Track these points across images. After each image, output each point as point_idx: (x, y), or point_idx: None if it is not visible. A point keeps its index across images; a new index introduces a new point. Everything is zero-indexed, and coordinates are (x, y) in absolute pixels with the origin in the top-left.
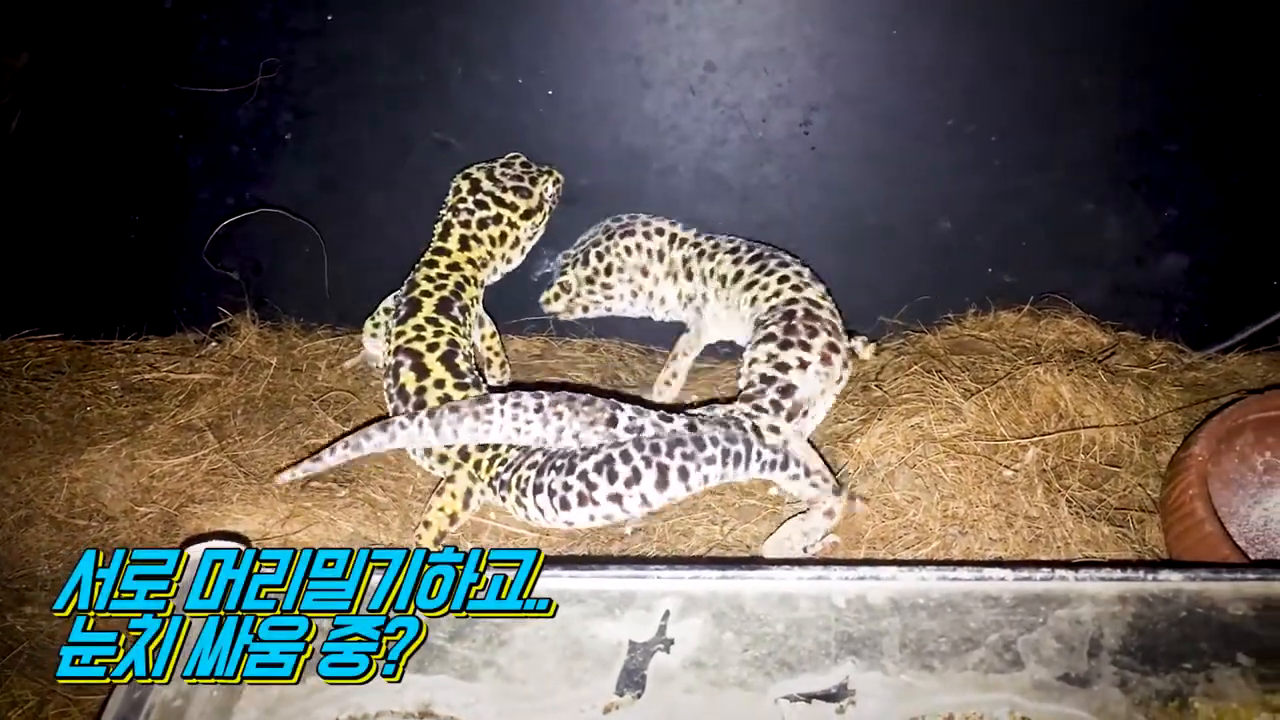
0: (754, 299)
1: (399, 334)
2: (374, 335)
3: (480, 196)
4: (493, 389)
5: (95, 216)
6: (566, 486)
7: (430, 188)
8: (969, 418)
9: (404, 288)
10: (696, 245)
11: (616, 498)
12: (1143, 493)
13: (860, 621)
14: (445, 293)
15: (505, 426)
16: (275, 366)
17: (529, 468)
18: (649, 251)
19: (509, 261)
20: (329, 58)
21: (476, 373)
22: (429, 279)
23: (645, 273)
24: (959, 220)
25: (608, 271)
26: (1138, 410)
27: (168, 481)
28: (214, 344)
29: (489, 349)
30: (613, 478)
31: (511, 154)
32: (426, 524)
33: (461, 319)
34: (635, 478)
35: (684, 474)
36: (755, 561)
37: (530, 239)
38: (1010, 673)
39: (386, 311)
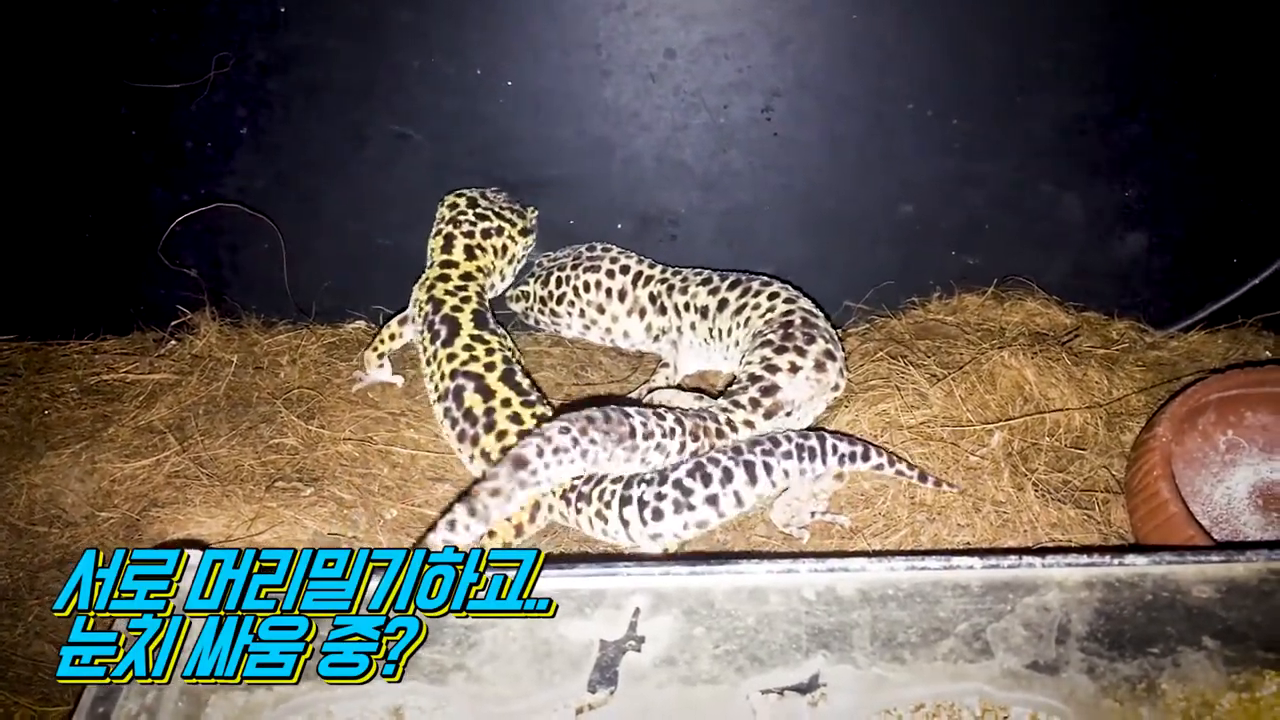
0: (747, 320)
1: (449, 356)
2: (380, 366)
3: (480, 210)
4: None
5: (48, 215)
6: (660, 496)
7: (389, 181)
8: (935, 403)
9: (419, 306)
10: (664, 280)
11: (713, 499)
12: (1108, 474)
13: (830, 614)
14: (476, 304)
15: (554, 476)
16: (236, 364)
17: (613, 481)
18: (608, 290)
19: (504, 278)
20: (282, 51)
21: (532, 384)
22: (450, 294)
23: (602, 310)
24: (921, 204)
25: (559, 300)
26: (1101, 391)
27: (129, 485)
28: (173, 343)
29: None
30: (707, 480)
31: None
32: (492, 534)
33: (501, 330)
34: (727, 477)
35: (768, 469)
36: (724, 556)
37: (521, 260)
38: (980, 662)
39: (391, 338)
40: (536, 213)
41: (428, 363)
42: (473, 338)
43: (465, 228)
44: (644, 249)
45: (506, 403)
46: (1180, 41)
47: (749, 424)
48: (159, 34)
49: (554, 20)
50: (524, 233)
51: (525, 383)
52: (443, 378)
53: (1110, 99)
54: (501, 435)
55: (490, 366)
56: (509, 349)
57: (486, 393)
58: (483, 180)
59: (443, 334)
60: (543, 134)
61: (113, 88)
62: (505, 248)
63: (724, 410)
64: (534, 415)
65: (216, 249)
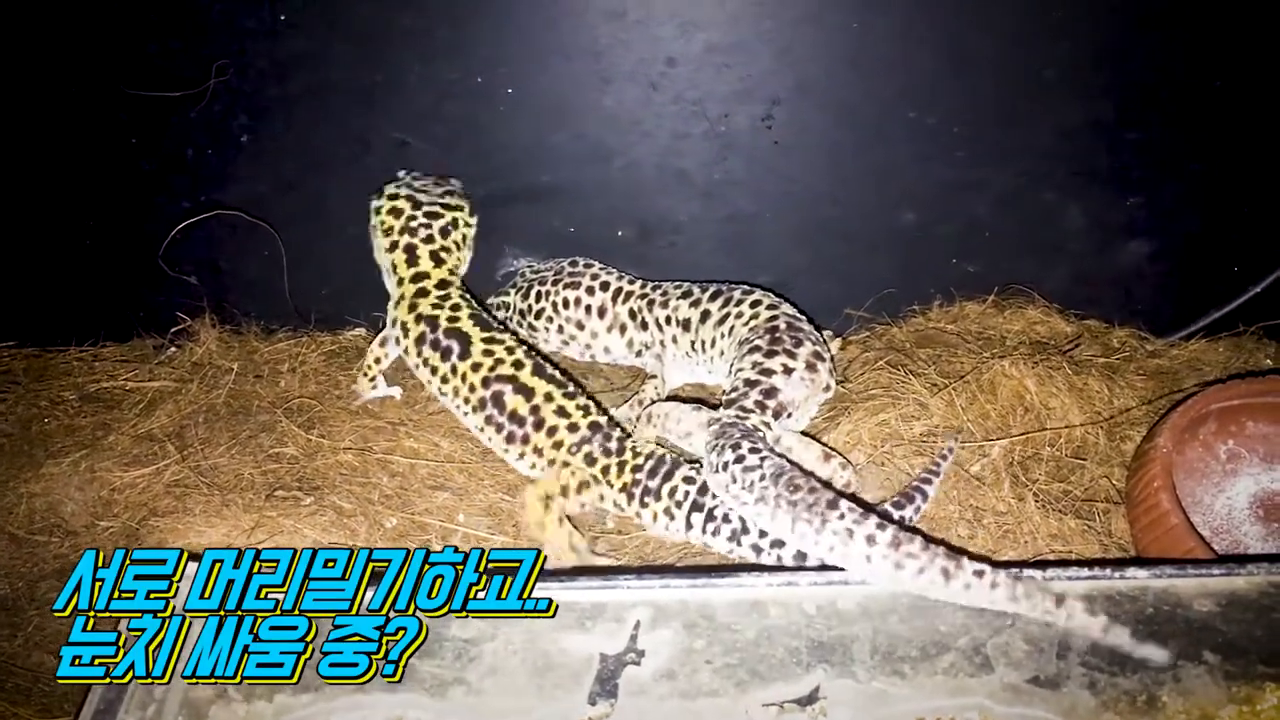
0: (731, 329)
1: (474, 367)
2: (374, 388)
3: (427, 208)
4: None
5: (49, 223)
6: (726, 517)
7: None
8: (935, 413)
9: (405, 329)
10: (645, 296)
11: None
12: (1108, 484)
13: (831, 628)
14: (468, 309)
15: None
16: (236, 372)
17: (685, 481)
18: (588, 307)
19: (466, 262)
20: (283, 58)
21: (561, 372)
22: (437, 306)
23: (581, 326)
24: (922, 212)
25: (536, 315)
26: (1102, 401)
27: (129, 494)
28: (173, 350)
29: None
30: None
31: (401, 170)
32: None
33: (504, 326)
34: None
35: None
36: (724, 569)
37: (473, 238)
38: (980, 676)
39: (378, 362)
40: (459, 183)
41: (444, 379)
42: (486, 341)
43: (423, 234)
44: (645, 256)
45: (549, 397)
46: (1183, 50)
47: (766, 425)
48: (159, 42)
49: (554, 28)
50: (471, 212)
51: (557, 374)
52: (473, 389)
53: (1112, 107)
54: (552, 431)
55: (519, 365)
56: (523, 342)
57: (526, 392)
58: (483, 188)
59: (455, 349)
60: (543, 141)
61: (113, 95)
62: (465, 237)
63: (738, 418)
64: (578, 406)
65: (217, 256)
